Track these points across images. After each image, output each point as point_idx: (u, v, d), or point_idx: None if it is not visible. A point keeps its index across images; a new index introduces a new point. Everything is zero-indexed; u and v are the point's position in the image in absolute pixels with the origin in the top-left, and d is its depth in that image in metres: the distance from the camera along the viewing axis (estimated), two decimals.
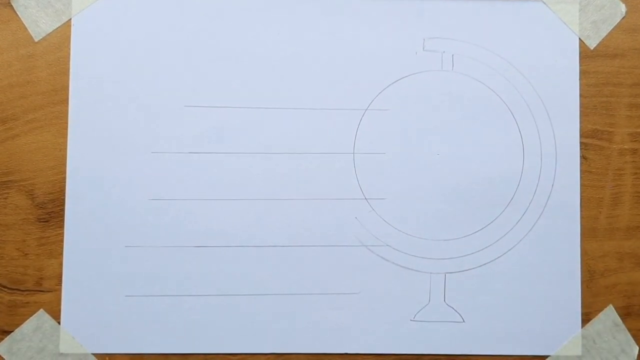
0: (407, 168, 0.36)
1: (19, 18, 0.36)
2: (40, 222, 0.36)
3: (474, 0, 0.37)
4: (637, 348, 0.36)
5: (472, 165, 0.37)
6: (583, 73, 0.37)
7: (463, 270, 0.36)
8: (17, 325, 0.35)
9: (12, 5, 0.36)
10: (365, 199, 0.36)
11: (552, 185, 0.37)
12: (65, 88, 0.36)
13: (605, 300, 0.36)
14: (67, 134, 0.36)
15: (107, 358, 0.35)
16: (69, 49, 0.36)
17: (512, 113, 0.37)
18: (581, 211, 0.36)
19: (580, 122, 0.37)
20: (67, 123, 0.36)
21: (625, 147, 0.37)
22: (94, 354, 0.35)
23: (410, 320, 0.35)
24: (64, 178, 0.36)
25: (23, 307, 0.35)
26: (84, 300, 0.35)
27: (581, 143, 0.37)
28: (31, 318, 0.35)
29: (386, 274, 0.36)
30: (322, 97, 0.37)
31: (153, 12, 0.37)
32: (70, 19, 0.36)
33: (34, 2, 0.36)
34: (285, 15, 0.37)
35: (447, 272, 0.36)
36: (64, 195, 0.36)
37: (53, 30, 0.36)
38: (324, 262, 0.35)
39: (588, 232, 0.36)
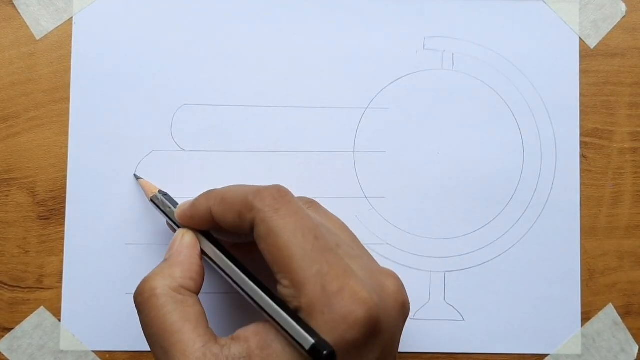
0: (407, 167, 0.37)
1: (21, 16, 0.36)
2: (41, 219, 0.36)
3: (474, 0, 0.37)
4: (637, 347, 0.36)
5: (472, 164, 0.37)
6: (583, 72, 0.37)
7: (463, 269, 0.36)
8: (18, 323, 0.35)
9: (14, 4, 0.36)
10: (366, 197, 0.36)
11: (552, 184, 0.37)
12: (67, 86, 0.36)
13: (605, 299, 0.36)
14: (68, 132, 0.36)
15: (107, 356, 0.35)
16: (71, 47, 0.36)
17: (512, 112, 0.37)
18: (581, 210, 0.37)
19: (580, 121, 0.37)
20: (68, 121, 0.36)
21: (626, 146, 0.37)
22: (94, 352, 0.35)
23: (410, 318, 0.35)
24: (65, 176, 0.36)
25: (24, 305, 0.35)
26: (85, 297, 0.35)
27: (581, 142, 0.37)
28: (32, 315, 0.35)
29: None
30: (322, 96, 0.37)
31: (154, 11, 0.37)
32: (72, 17, 0.37)
33: (35, 0, 0.36)
34: (284, 13, 0.37)
35: (447, 271, 0.36)
36: (64, 193, 0.36)
37: (55, 29, 0.36)
38: None
39: (588, 231, 0.36)
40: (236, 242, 0.32)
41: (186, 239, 0.30)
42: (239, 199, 0.27)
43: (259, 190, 0.27)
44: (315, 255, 0.25)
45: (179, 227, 0.31)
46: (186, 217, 0.30)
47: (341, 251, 0.27)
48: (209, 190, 0.30)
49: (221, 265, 0.29)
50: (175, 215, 0.31)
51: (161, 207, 0.33)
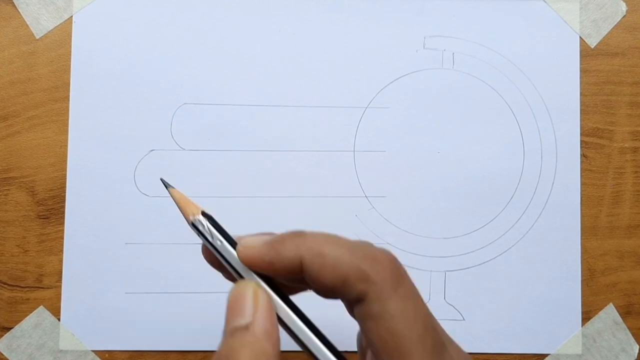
0: (407, 166, 0.37)
1: (21, 15, 0.36)
2: (40, 218, 0.36)
3: (474, 0, 0.37)
4: (637, 347, 0.36)
5: (472, 163, 0.37)
6: (583, 71, 0.37)
7: (463, 269, 0.36)
8: (17, 322, 0.35)
9: (13, 3, 0.36)
10: (366, 196, 0.36)
11: (553, 183, 0.37)
12: (66, 85, 0.36)
13: (606, 298, 0.36)
14: (67, 131, 0.36)
15: (106, 355, 0.35)
16: (70, 46, 0.36)
17: (512, 111, 0.37)
18: (581, 209, 0.36)
19: (581, 121, 0.37)
20: (67, 120, 0.36)
21: (626, 145, 0.37)
22: (93, 351, 0.35)
23: None
24: (65, 175, 0.36)
25: (23, 304, 0.35)
26: (84, 297, 0.35)
27: (581, 141, 0.37)
28: (31, 315, 0.35)
29: None
30: (323, 95, 0.37)
31: (154, 10, 0.37)
32: (72, 16, 0.37)
33: None
34: (285, 13, 0.37)
35: (447, 270, 0.36)
36: (64, 192, 0.36)
37: (54, 28, 0.36)
38: None
39: (588, 231, 0.36)
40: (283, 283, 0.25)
41: (262, 299, 0.23)
42: (348, 263, 0.22)
43: (375, 259, 0.23)
44: (435, 355, 0.22)
45: (231, 266, 0.23)
46: (263, 262, 0.23)
47: (449, 347, 0.24)
48: (296, 233, 0.23)
49: (298, 334, 0.24)
50: (240, 256, 0.23)
51: (209, 238, 0.24)
